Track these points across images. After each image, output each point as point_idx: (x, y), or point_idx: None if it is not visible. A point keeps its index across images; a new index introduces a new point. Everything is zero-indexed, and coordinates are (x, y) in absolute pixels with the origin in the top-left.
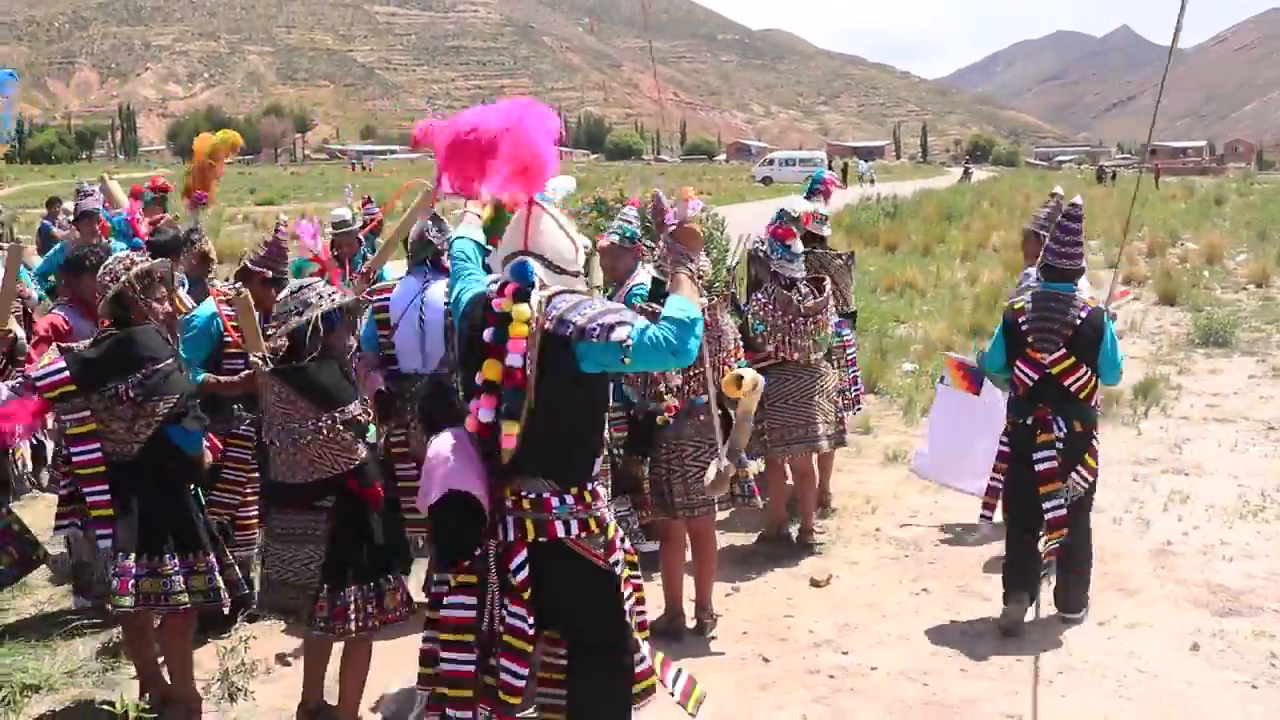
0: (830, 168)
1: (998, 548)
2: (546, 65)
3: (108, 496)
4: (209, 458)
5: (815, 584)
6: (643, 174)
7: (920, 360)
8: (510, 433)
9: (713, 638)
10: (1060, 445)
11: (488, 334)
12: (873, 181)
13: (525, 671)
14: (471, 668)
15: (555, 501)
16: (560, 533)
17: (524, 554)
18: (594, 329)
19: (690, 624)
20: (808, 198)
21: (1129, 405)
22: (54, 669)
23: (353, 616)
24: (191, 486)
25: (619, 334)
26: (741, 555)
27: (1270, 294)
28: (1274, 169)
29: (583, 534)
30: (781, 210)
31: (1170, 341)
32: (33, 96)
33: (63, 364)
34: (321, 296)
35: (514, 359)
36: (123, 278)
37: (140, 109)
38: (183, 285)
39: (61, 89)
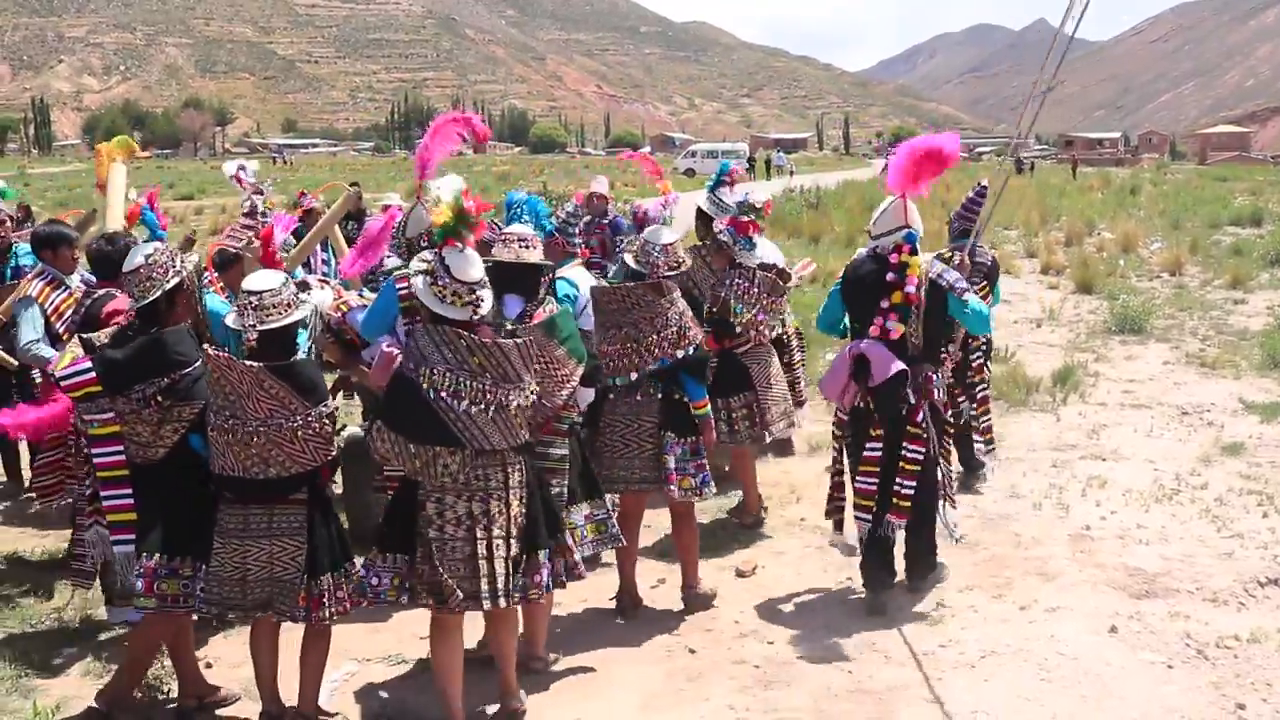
0: (751, 160)
1: None
2: (470, 58)
3: (130, 500)
4: None
5: (741, 574)
6: (566, 167)
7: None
8: (899, 330)
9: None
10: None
11: (890, 275)
12: (792, 173)
13: (915, 484)
14: (874, 487)
15: (935, 378)
16: (935, 397)
17: (923, 412)
18: (958, 288)
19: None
20: (714, 189)
21: (1048, 392)
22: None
23: (328, 604)
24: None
25: (968, 297)
26: (668, 546)
27: (1183, 282)
28: (1186, 160)
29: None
30: (742, 202)
31: (1088, 329)
32: None
33: (89, 364)
34: (299, 294)
35: (910, 288)
36: (184, 272)
37: (54, 102)
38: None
39: None
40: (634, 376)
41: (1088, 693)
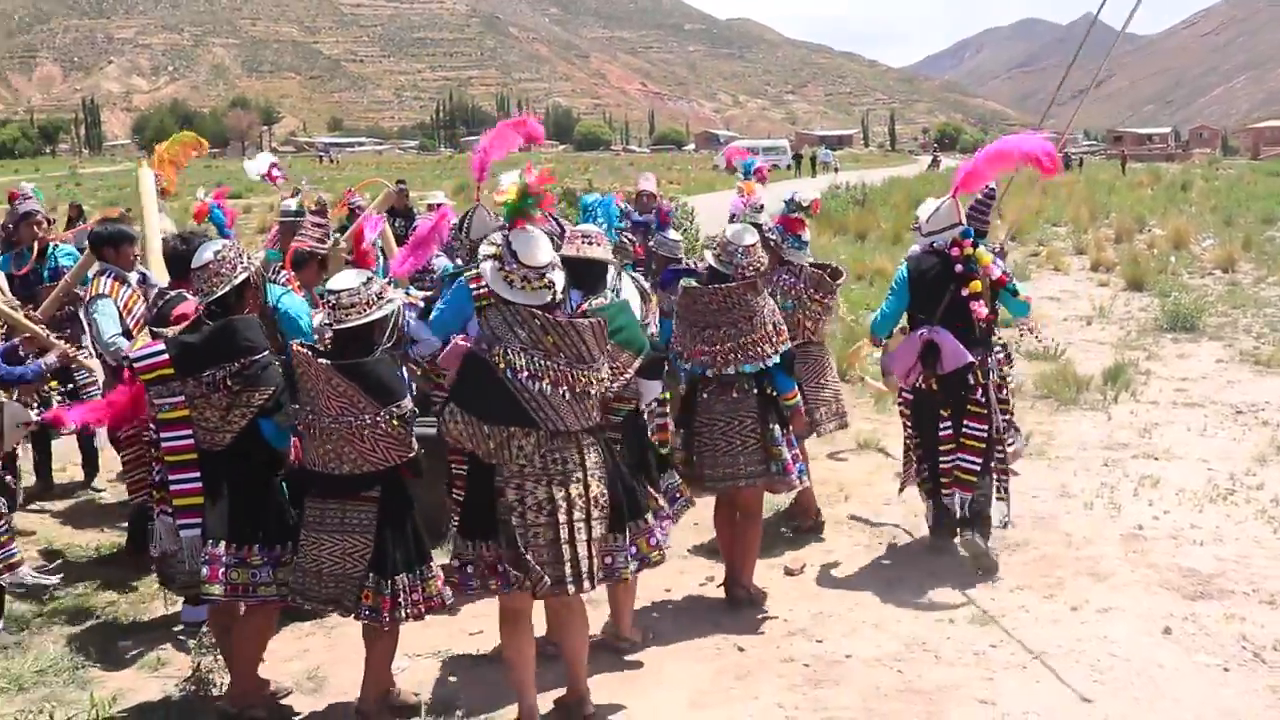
0: (797, 157)
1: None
2: (514, 56)
3: (198, 484)
4: (291, 455)
5: (789, 573)
6: (611, 165)
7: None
8: (985, 312)
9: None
10: None
11: (958, 268)
12: (836, 170)
13: (979, 460)
14: (951, 464)
15: (989, 360)
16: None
17: (980, 391)
18: (1009, 280)
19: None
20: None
21: (1099, 391)
22: (24, 668)
23: (401, 604)
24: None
25: (1020, 288)
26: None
27: (1236, 279)
28: (1238, 155)
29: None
30: (790, 200)
31: (1139, 327)
32: None
33: (161, 347)
34: (386, 292)
35: (995, 274)
36: (252, 268)
37: (104, 103)
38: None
39: (23, 83)
40: (731, 371)
41: (1141, 695)
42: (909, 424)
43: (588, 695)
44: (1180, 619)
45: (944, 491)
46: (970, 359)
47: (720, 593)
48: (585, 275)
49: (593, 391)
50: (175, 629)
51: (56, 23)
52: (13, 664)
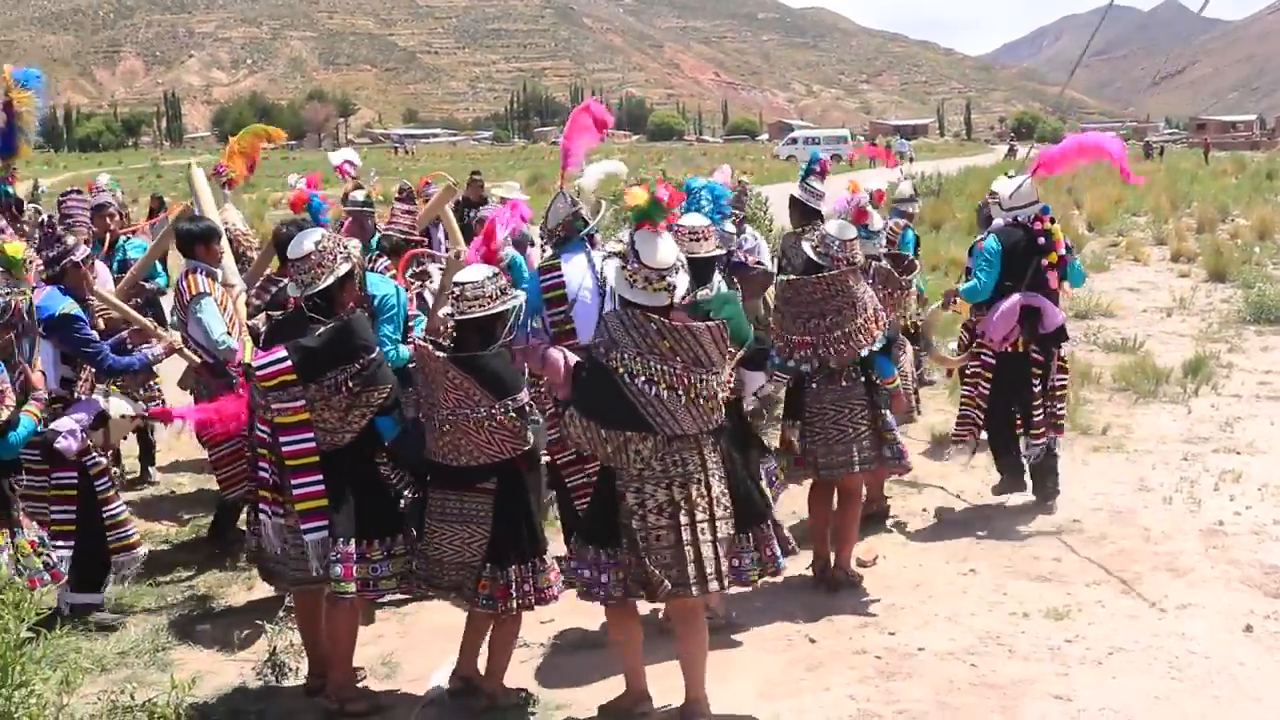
0: (873, 145)
1: (1046, 525)
2: (588, 47)
3: (321, 487)
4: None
5: (861, 564)
6: (684, 155)
7: None
8: (1059, 282)
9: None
10: None
11: (1040, 240)
12: (911, 159)
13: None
14: (1042, 415)
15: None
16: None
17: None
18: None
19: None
20: (805, 178)
21: (1179, 383)
22: (107, 649)
23: (514, 594)
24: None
25: (1075, 260)
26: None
27: None
28: None
29: None
30: (866, 191)
31: (1220, 319)
32: (80, 85)
33: (284, 353)
34: (507, 289)
35: (1061, 249)
36: (354, 258)
37: (185, 96)
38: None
39: (107, 77)
40: (834, 364)
41: (1221, 693)
42: (987, 384)
43: (705, 701)
44: (1262, 617)
45: (1035, 440)
46: (1063, 319)
47: (791, 583)
48: (693, 269)
49: (709, 395)
50: (249, 610)
51: (139, 18)
52: (96, 645)
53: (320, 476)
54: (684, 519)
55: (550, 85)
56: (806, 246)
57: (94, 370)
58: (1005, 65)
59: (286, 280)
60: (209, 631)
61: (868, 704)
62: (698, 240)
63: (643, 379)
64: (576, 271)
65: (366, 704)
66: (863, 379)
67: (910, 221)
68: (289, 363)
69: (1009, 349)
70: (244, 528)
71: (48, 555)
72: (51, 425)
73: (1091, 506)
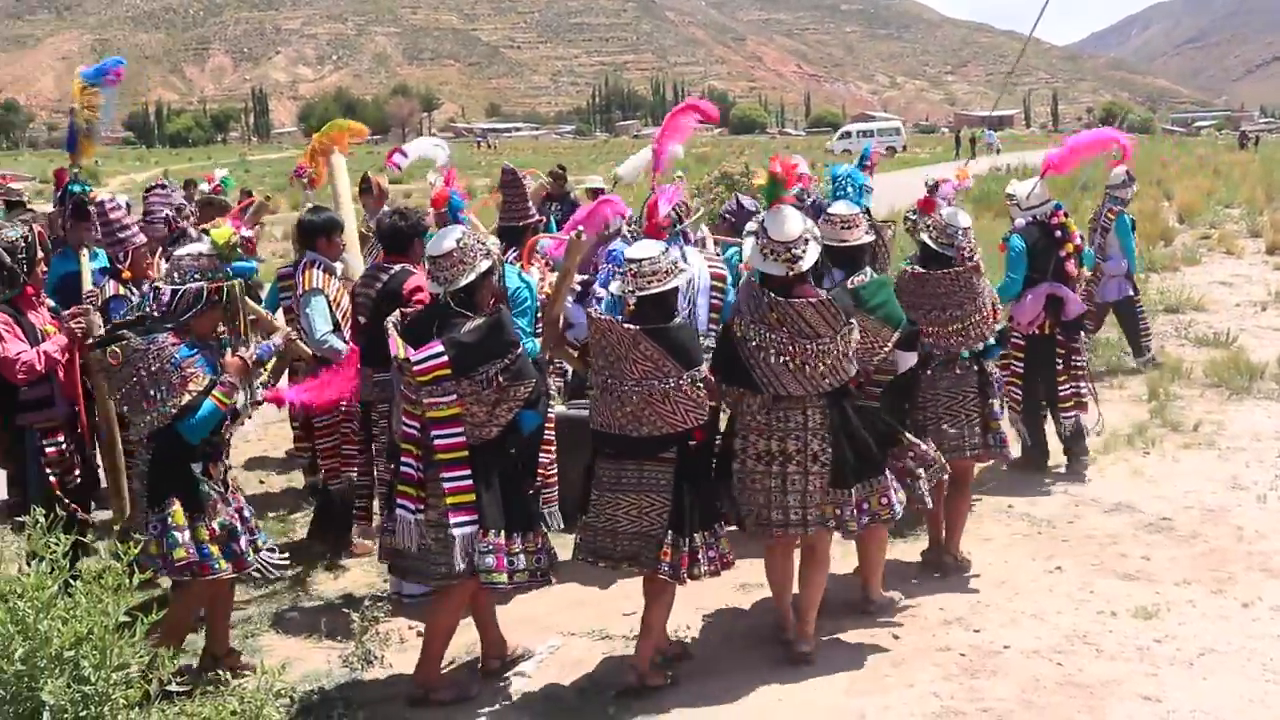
0: (956, 138)
1: (1135, 523)
2: (670, 40)
3: (470, 481)
4: None
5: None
6: (767, 148)
7: None
8: (1077, 270)
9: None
10: None
11: (1058, 234)
12: (999, 151)
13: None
14: (1069, 391)
15: None
16: None
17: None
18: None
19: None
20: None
21: (1274, 379)
22: (198, 635)
23: (701, 561)
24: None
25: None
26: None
27: None
28: None
29: None
30: (931, 183)
31: None
32: (170, 82)
33: (440, 348)
34: (677, 263)
35: (1075, 239)
36: (494, 254)
37: (272, 92)
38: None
39: (197, 74)
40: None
41: None
42: (1019, 364)
43: (810, 636)
44: None
45: (1064, 414)
46: (1085, 307)
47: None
48: (842, 256)
49: (813, 363)
50: (334, 600)
51: (228, 15)
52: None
53: (469, 471)
54: (776, 468)
55: (632, 79)
56: (925, 237)
57: None
58: (1093, 54)
59: (398, 267)
60: (298, 620)
61: (952, 701)
62: (848, 228)
63: (754, 344)
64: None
65: (452, 695)
66: (975, 367)
67: (1124, 207)
68: (445, 358)
69: (1036, 332)
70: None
71: (236, 544)
72: None
73: (1183, 504)
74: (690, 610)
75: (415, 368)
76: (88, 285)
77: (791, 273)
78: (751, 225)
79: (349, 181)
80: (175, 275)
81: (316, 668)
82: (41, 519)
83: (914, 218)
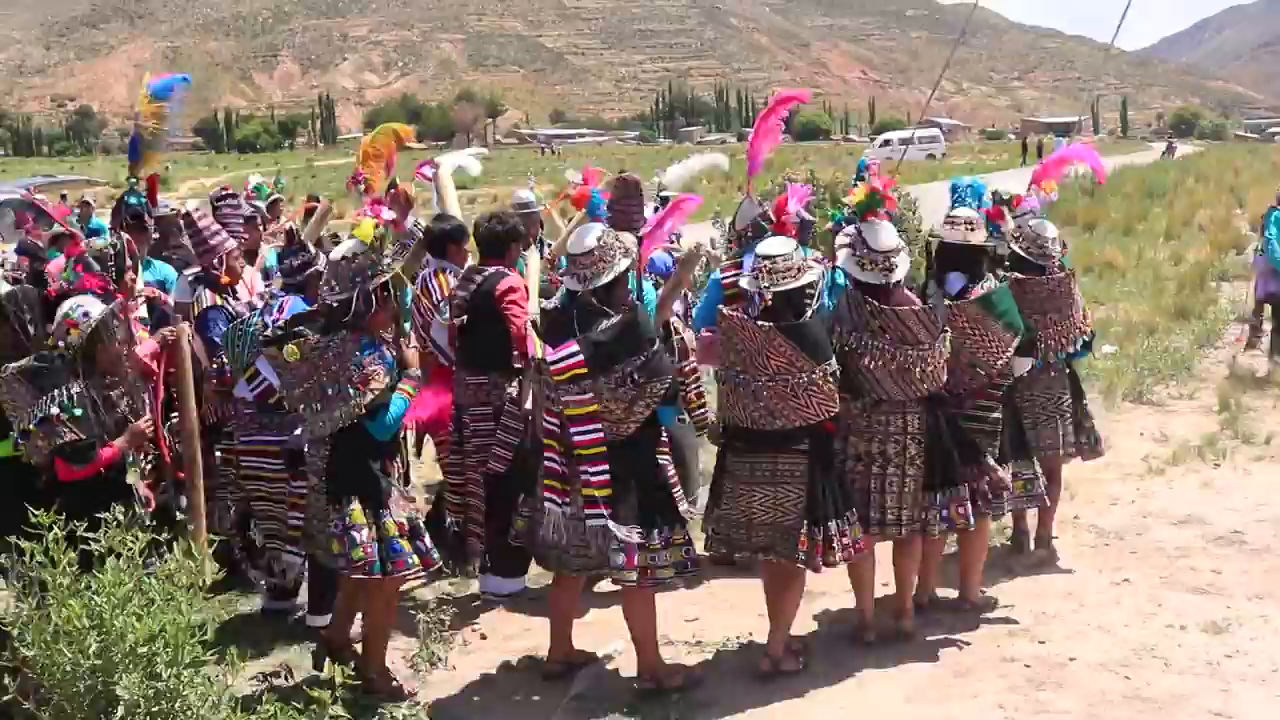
0: (1023, 145)
1: (1205, 536)
2: (734, 47)
3: (606, 476)
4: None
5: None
6: (831, 154)
7: (1120, 343)
8: None
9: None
10: None
11: None
12: None
13: None
14: None
15: None
16: None
17: None
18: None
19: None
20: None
21: None
22: (267, 634)
23: (836, 548)
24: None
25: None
26: None
27: None
28: None
29: None
30: (994, 192)
31: None
32: (239, 89)
33: (576, 348)
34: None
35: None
36: (632, 253)
37: (339, 98)
38: None
39: (266, 81)
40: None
41: None
42: None
43: (910, 614)
44: None
45: None
46: None
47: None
48: (963, 259)
49: (913, 369)
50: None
51: (296, 23)
52: (256, 629)
53: (606, 466)
54: (875, 469)
55: (696, 85)
56: (1016, 246)
57: None
58: (1164, 59)
59: (491, 270)
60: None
61: (1016, 713)
62: (971, 229)
63: (856, 350)
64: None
65: (681, 678)
66: (1067, 370)
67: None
68: (580, 357)
69: None
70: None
71: (421, 541)
72: (295, 432)
73: (1254, 517)
74: (752, 616)
75: (552, 367)
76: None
77: (889, 281)
78: (842, 239)
79: (453, 187)
80: (334, 284)
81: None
82: (119, 516)
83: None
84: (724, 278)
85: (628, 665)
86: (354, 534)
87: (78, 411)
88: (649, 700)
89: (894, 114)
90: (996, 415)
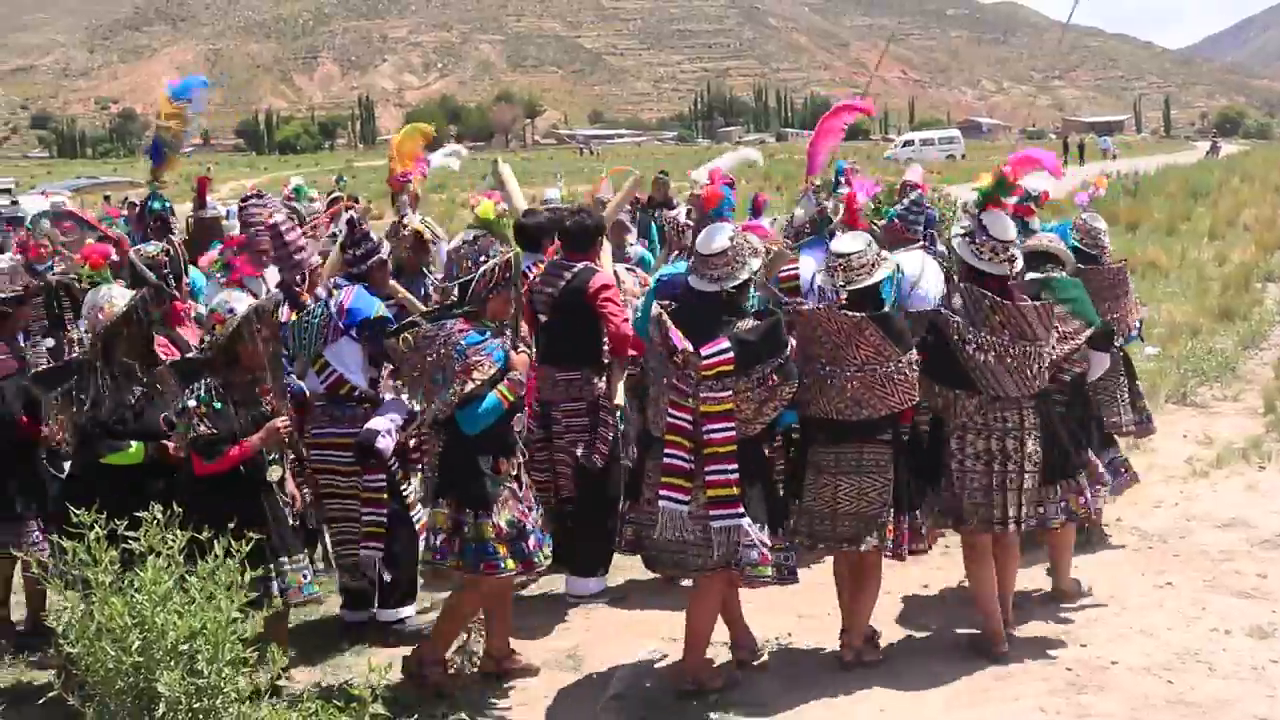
0: (1065, 144)
1: (1249, 539)
2: (772, 46)
3: (736, 475)
4: None
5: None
6: (870, 154)
7: (1164, 344)
8: None
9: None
10: None
11: None
12: (1115, 156)
13: None
14: None
15: None
16: None
17: None
18: None
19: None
20: (835, 189)
21: None
22: (307, 632)
23: (924, 535)
24: None
25: None
26: None
27: None
28: None
29: None
30: (1024, 190)
31: None
32: (280, 90)
33: (728, 345)
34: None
35: None
36: (760, 253)
37: (378, 99)
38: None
39: (306, 82)
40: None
41: None
42: None
43: (1010, 622)
44: None
45: None
46: None
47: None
48: (1037, 254)
49: (1031, 365)
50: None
51: (336, 24)
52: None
53: (736, 465)
54: (996, 467)
55: (734, 85)
56: (1073, 239)
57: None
58: (1207, 58)
59: (580, 265)
60: (407, 622)
61: (1057, 716)
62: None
63: (973, 346)
64: (809, 266)
65: (722, 679)
66: (1121, 354)
67: None
68: (731, 354)
69: None
70: None
71: (525, 543)
72: (367, 425)
73: None
74: (790, 617)
75: (704, 362)
76: None
77: (1011, 272)
78: (957, 229)
79: (516, 181)
80: (455, 270)
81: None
82: (159, 516)
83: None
84: (783, 271)
85: (663, 665)
86: (431, 537)
87: (217, 405)
88: (687, 701)
89: (934, 113)
90: (1063, 398)
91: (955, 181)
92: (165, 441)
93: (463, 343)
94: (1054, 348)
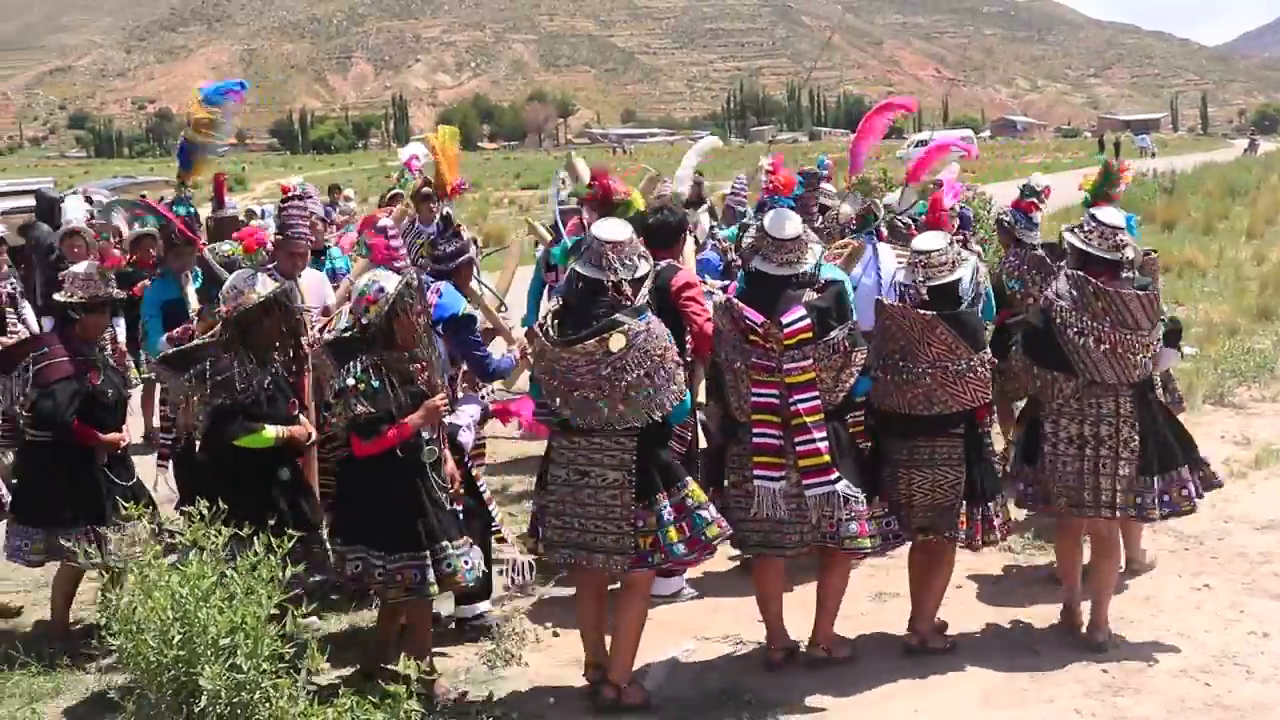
0: (1100, 143)
1: None
2: (805, 45)
3: (826, 444)
4: None
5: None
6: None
7: (1201, 344)
8: None
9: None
10: None
11: None
12: (1154, 154)
13: None
14: None
15: None
16: None
17: None
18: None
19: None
20: (806, 185)
21: None
22: (342, 628)
23: (996, 526)
24: None
25: None
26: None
27: None
28: None
29: None
30: (1025, 185)
31: None
32: (314, 90)
33: (804, 311)
34: (961, 253)
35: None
36: (820, 243)
37: (412, 99)
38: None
39: (340, 82)
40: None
41: None
42: None
43: (1106, 625)
44: None
45: None
46: None
47: (1015, 592)
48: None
49: (1130, 353)
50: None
51: (370, 24)
52: (329, 624)
53: (826, 434)
54: (1089, 451)
55: (767, 84)
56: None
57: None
58: (1245, 55)
59: (664, 263)
60: (442, 617)
61: (1093, 718)
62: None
63: (1074, 330)
64: (889, 260)
65: (847, 650)
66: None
67: None
68: (808, 320)
69: None
70: None
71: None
72: (449, 419)
73: None
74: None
75: (786, 330)
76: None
77: (1120, 258)
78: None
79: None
80: (619, 267)
81: (459, 664)
82: (204, 511)
83: (1007, 217)
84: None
85: (697, 663)
86: (700, 514)
87: (375, 384)
88: (719, 698)
89: (968, 111)
90: None
91: (988, 180)
92: (295, 428)
93: (664, 333)
94: (1157, 339)
